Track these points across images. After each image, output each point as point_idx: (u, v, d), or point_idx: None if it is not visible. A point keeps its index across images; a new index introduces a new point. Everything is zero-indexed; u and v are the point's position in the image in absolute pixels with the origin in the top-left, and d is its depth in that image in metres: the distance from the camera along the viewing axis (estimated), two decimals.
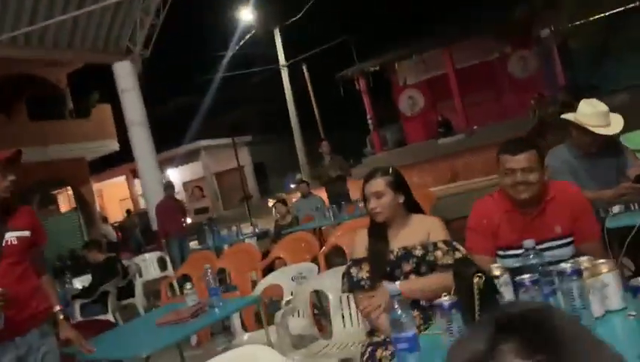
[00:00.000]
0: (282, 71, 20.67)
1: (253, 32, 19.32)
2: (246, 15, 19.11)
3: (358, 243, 2.31)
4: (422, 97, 19.50)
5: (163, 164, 23.00)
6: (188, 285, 2.91)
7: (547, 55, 16.36)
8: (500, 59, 17.14)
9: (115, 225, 18.38)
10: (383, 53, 18.93)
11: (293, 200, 18.49)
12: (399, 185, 2.27)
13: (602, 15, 14.59)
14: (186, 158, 25.43)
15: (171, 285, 5.83)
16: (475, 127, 16.58)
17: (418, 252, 2.17)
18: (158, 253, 8.26)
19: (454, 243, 2.19)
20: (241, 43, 19.27)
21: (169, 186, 8.70)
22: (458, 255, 2.12)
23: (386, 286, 2.01)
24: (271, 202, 19.86)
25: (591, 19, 14.66)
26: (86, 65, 18.11)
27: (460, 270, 1.69)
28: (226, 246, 7.16)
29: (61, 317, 2.46)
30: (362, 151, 20.66)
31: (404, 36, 18.86)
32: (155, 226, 9.14)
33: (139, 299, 6.35)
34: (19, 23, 7.88)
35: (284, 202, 7.21)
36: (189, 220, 8.86)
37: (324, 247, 4.83)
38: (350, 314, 2.92)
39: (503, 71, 16.99)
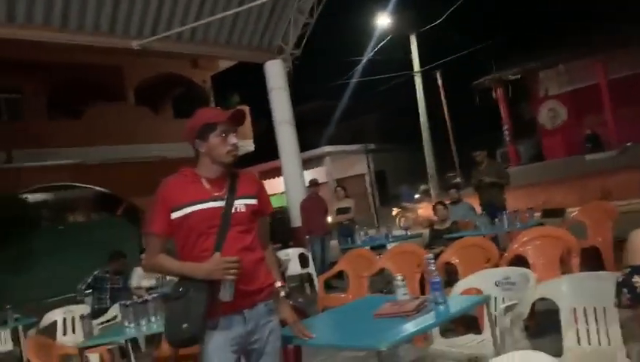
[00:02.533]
0: (416, 78, 20.24)
1: (389, 37, 19.14)
2: (383, 20, 18.96)
3: None
4: (564, 109, 18.18)
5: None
6: (399, 277, 2.66)
7: None
8: None
9: None
10: (524, 62, 17.88)
11: (419, 210, 18.13)
12: None
13: None
14: (310, 163, 25.82)
15: (326, 282, 5.68)
16: (628, 144, 15.08)
17: None
18: (300, 250, 8.26)
19: None
20: (376, 48, 19.17)
21: (314, 184, 8.68)
22: None
23: None
24: (395, 211, 19.53)
25: None
26: (228, 68, 19.15)
27: None
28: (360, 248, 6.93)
29: (282, 294, 2.30)
30: None
31: (547, 44, 17.65)
32: (294, 223, 9.16)
33: None
34: (186, 18, 8.30)
35: (443, 205, 6.81)
36: (329, 219, 8.77)
37: (505, 255, 4.42)
38: (588, 331, 2.49)
39: None
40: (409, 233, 7.40)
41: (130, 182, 15.58)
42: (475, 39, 20.61)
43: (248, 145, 18.24)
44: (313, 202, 8.47)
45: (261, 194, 2.35)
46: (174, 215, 2.17)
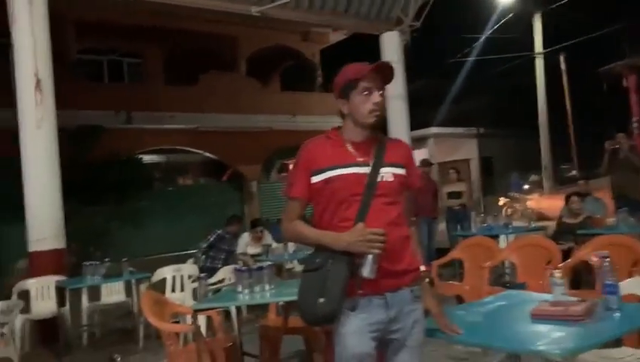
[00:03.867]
0: (537, 60, 18.84)
1: (511, 14, 17.90)
2: None
3: None
4: None
5: None
6: (557, 273, 2.27)
7: None
8: None
9: None
10: None
11: (529, 202, 17.04)
12: None
13: None
14: (413, 143, 25.15)
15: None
16: None
17: None
18: None
19: None
20: (496, 27, 18.03)
21: (426, 164, 8.27)
22: None
23: None
24: (502, 200, 18.51)
25: None
26: (338, 42, 18.93)
27: None
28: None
29: (427, 280, 2.00)
30: None
31: None
32: None
33: None
34: None
35: (580, 195, 6.15)
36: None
37: None
38: None
39: None
40: (532, 224, 6.79)
41: (236, 149, 15.99)
42: (606, 20, 18.73)
43: None
44: (423, 182, 8.08)
45: (410, 165, 2.07)
46: (314, 179, 1.95)
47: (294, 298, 3.52)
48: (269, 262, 3.58)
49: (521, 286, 4.44)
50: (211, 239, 6.46)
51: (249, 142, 16.01)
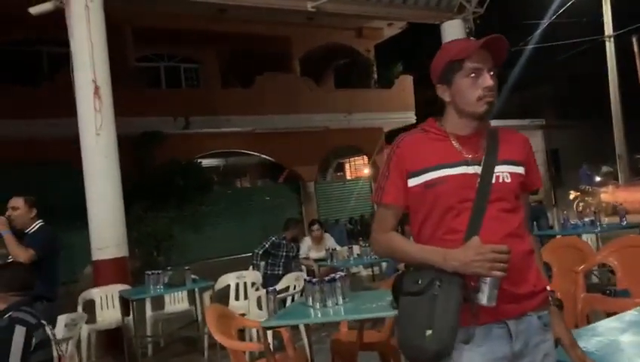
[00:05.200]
0: (607, 43, 17.67)
1: None
2: None
3: None
4: None
5: None
6: None
7: None
8: None
9: None
10: None
11: (602, 195, 15.99)
12: None
13: None
14: None
15: None
16: None
17: None
18: None
19: None
20: (561, 10, 17.03)
21: None
22: None
23: None
24: (573, 194, 17.48)
25: None
26: (392, 37, 18.45)
27: None
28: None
29: (554, 303, 1.61)
30: None
31: None
32: None
33: None
34: None
35: None
36: None
37: None
38: None
39: None
40: (625, 222, 6.13)
41: (292, 150, 15.84)
42: None
43: (410, 117, 17.44)
44: None
45: (530, 161, 1.67)
46: (412, 181, 1.59)
47: (373, 315, 3.24)
48: (342, 272, 3.23)
49: (625, 294, 3.94)
50: (266, 246, 6.22)
51: (305, 142, 15.83)
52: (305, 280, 3.13)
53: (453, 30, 8.85)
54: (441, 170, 1.55)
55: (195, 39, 15.00)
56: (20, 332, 2.47)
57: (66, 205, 8.48)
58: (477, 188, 1.53)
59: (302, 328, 4.33)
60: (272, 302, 2.95)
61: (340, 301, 3.07)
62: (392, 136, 18.66)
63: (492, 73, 1.59)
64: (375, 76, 17.88)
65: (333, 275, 3.14)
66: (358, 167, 21.66)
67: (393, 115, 17.09)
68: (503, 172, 1.57)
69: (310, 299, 3.15)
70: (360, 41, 17.84)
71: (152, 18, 13.56)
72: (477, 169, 1.56)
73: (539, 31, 19.17)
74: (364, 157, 19.19)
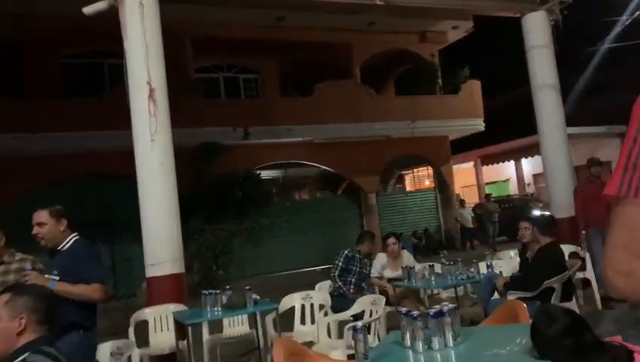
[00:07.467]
0: None
1: None
2: None
3: None
4: None
5: (516, 153, 20.88)
6: None
7: None
8: None
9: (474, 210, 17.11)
10: None
11: None
12: None
13: None
14: (536, 148, 22.64)
15: None
16: None
17: None
18: (570, 247, 6.47)
19: None
20: None
21: (596, 163, 6.77)
22: None
23: None
24: None
25: None
26: (457, 41, 17.53)
27: None
28: None
29: None
30: None
31: None
32: (557, 213, 7.34)
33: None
34: None
35: None
36: None
37: None
38: None
39: None
40: None
41: (352, 161, 15.18)
42: None
43: (478, 125, 16.41)
44: (594, 187, 6.58)
45: None
46: None
47: None
48: (449, 305, 2.49)
49: None
50: (339, 263, 5.54)
51: (365, 152, 15.14)
52: (403, 315, 2.42)
53: (536, 23, 7.95)
54: None
55: (254, 49, 14.70)
56: None
57: (127, 218, 8.15)
58: None
59: None
60: (361, 343, 2.26)
61: (450, 342, 2.34)
62: (457, 144, 17.67)
63: None
64: (440, 82, 17.00)
65: (439, 307, 2.41)
66: (421, 178, 20.69)
67: (459, 123, 16.13)
68: None
69: (407, 334, 2.44)
70: (424, 45, 17.06)
71: (211, 29, 13.36)
72: None
73: (617, 29, 17.68)
74: (429, 167, 18.27)
